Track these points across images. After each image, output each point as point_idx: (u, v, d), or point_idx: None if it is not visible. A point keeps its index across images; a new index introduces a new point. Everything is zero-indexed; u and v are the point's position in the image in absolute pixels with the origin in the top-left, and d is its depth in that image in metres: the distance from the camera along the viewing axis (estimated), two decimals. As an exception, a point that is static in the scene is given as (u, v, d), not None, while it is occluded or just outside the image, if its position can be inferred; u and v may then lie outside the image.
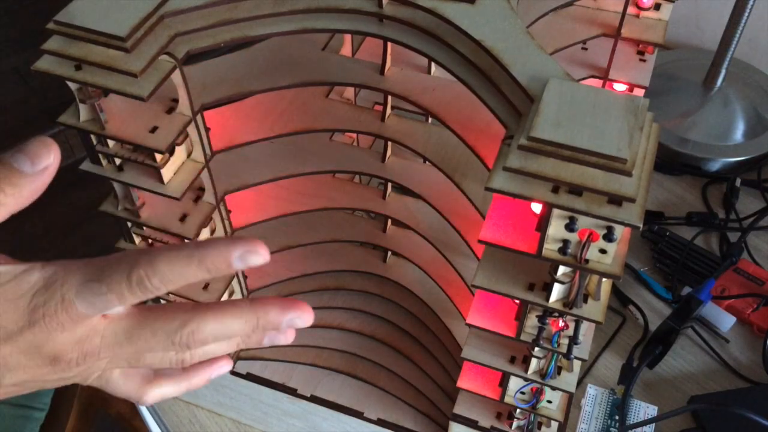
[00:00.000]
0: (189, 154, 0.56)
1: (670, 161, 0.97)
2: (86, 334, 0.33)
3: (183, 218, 0.58)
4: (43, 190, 0.33)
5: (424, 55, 0.52)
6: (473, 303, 0.53)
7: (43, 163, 0.33)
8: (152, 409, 0.80)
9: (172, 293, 0.65)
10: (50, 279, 0.32)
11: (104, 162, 0.56)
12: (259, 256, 0.32)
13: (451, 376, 0.67)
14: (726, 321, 0.81)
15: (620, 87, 0.68)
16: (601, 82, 0.68)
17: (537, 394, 0.57)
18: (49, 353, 0.32)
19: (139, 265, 0.32)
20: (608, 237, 0.41)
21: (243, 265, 0.32)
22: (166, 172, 0.54)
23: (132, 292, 0.32)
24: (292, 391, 0.69)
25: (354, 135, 0.72)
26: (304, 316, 0.35)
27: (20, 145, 0.33)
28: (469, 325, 0.53)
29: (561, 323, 0.50)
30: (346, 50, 0.62)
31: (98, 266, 0.32)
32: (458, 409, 0.62)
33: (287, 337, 0.37)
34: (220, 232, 0.63)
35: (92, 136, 0.53)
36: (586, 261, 0.43)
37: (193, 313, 0.34)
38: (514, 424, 0.62)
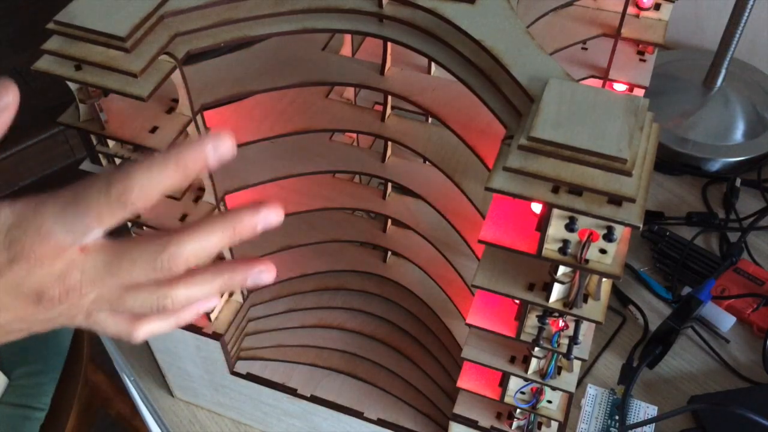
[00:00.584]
0: (189, 154, 0.56)
1: (670, 161, 0.97)
2: (66, 269, 0.32)
3: (183, 218, 0.58)
4: (4, 129, 0.34)
5: (424, 55, 0.52)
6: (473, 303, 0.53)
7: (2, 101, 0.34)
8: (152, 409, 0.80)
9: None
10: (22, 213, 0.32)
11: (104, 162, 0.56)
12: (227, 144, 0.33)
13: (451, 376, 0.67)
14: (726, 321, 0.81)
15: (620, 87, 0.68)
16: (601, 82, 0.68)
17: (537, 394, 0.57)
18: (31, 290, 0.32)
19: (115, 179, 0.31)
20: (608, 237, 0.41)
21: (217, 157, 0.33)
22: (166, 172, 0.54)
23: (111, 209, 0.31)
24: (292, 391, 0.69)
25: (354, 135, 0.72)
26: (274, 209, 0.36)
27: None
28: (469, 325, 0.53)
29: (561, 323, 0.50)
30: (346, 50, 0.62)
31: (72, 191, 0.32)
32: (458, 409, 0.62)
33: (270, 275, 0.37)
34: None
35: (92, 136, 0.53)
36: (586, 261, 0.43)
37: (170, 235, 0.34)
38: (514, 424, 0.62)
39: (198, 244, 0.34)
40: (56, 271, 0.32)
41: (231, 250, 0.65)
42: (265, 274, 0.37)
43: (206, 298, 0.36)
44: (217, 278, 0.36)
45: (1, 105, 0.34)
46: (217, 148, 0.33)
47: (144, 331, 0.38)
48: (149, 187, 0.32)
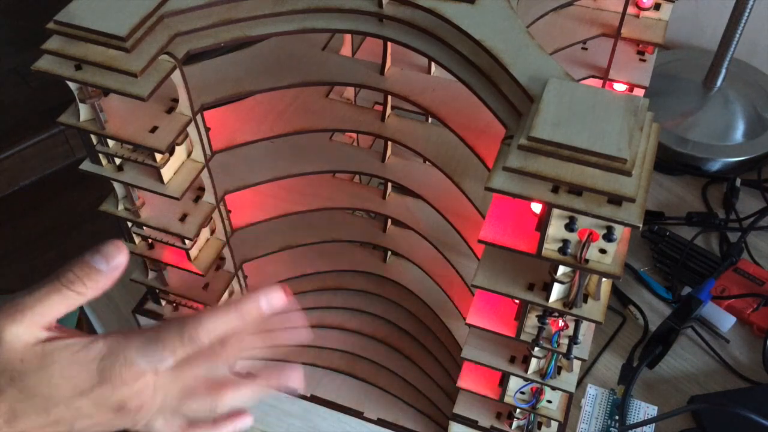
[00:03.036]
0: (189, 154, 0.56)
1: (670, 161, 0.97)
2: (143, 387, 0.40)
3: (183, 218, 0.58)
4: (114, 282, 0.41)
5: (424, 55, 0.52)
6: (473, 303, 0.53)
7: (116, 262, 0.40)
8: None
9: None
10: (113, 346, 0.40)
11: (104, 162, 0.56)
12: (280, 298, 0.42)
13: (451, 376, 0.67)
14: (726, 321, 0.81)
15: (620, 87, 0.68)
16: (601, 82, 0.68)
17: (537, 393, 0.58)
18: (114, 404, 0.40)
19: (188, 324, 0.40)
20: (608, 237, 0.41)
21: (270, 309, 0.42)
22: (166, 172, 0.54)
23: (183, 345, 0.40)
24: (292, 391, 0.69)
25: (354, 135, 0.72)
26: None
27: (97, 247, 0.40)
28: (469, 325, 0.53)
29: (561, 323, 0.50)
30: (346, 50, 0.62)
31: (154, 331, 0.40)
32: (458, 409, 0.62)
33: (299, 380, 0.45)
34: (220, 232, 0.63)
35: (92, 136, 0.53)
36: (586, 261, 0.43)
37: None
38: (514, 423, 0.62)
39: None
40: (135, 389, 0.40)
41: (231, 251, 0.65)
42: (295, 379, 0.45)
43: (249, 401, 0.44)
44: (256, 384, 0.44)
45: (114, 264, 0.40)
46: (270, 301, 0.42)
47: None
48: (214, 330, 0.40)
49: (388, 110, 0.60)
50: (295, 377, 0.45)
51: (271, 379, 0.45)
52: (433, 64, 0.62)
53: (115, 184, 0.58)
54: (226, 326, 0.41)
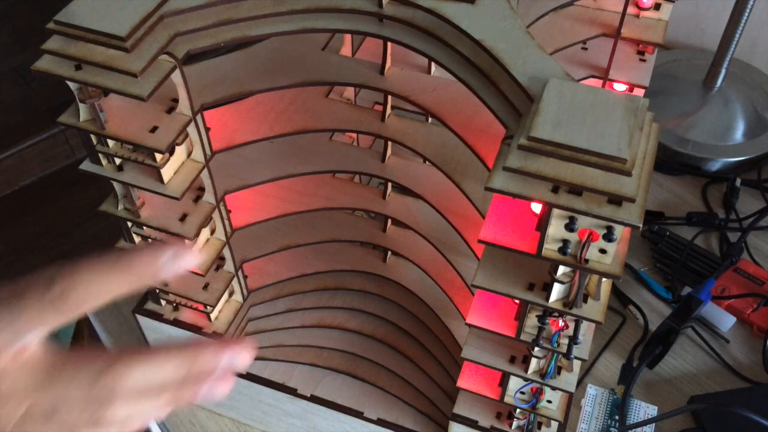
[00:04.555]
0: (189, 154, 0.56)
1: (670, 161, 0.97)
2: None
3: (183, 218, 0.58)
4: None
5: (424, 55, 0.52)
6: (473, 303, 0.53)
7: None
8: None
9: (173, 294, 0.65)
10: None
11: (104, 162, 0.56)
12: (187, 259, 0.31)
13: (451, 376, 0.67)
14: (726, 321, 0.81)
15: (620, 87, 0.68)
16: (601, 82, 0.68)
17: (537, 393, 0.57)
18: None
19: (57, 278, 0.29)
20: (608, 237, 0.41)
21: (173, 270, 0.31)
22: (166, 172, 0.54)
23: (53, 307, 0.29)
24: (292, 391, 0.69)
25: (354, 135, 0.72)
26: (242, 354, 0.32)
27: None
28: (469, 325, 0.53)
29: (561, 323, 0.50)
30: (346, 50, 0.62)
31: (11, 289, 0.30)
32: (458, 409, 0.62)
33: (225, 386, 0.33)
34: (220, 232, 0.63)
35: (92, 136, 0.53)
36: (586, 261, 0.43)
37: (119, 356, 0.31)
38: (514, 424, 0.62)
39: (146, 372, 0.31)
40: None
41: (231, 252, 0.65)
42: (237, 358, 0.32)
43: (147, 417, 0.32)
44: (164, 394, 0.32)
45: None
46: (177, 259, 0.31)
47: None
48: (94, 290, 0.30)
49: (388, 110, 0.60)
50: (242, 354, 0.32)
51: (185, 392, 0.32)
52: (433, 64, 0.62)
53: (115, 184, 0.58)
54: (111, 287, 0.30)
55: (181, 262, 0.31)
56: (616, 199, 0.40)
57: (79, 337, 1.14)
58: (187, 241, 0.57)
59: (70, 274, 0.29)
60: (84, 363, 0.31)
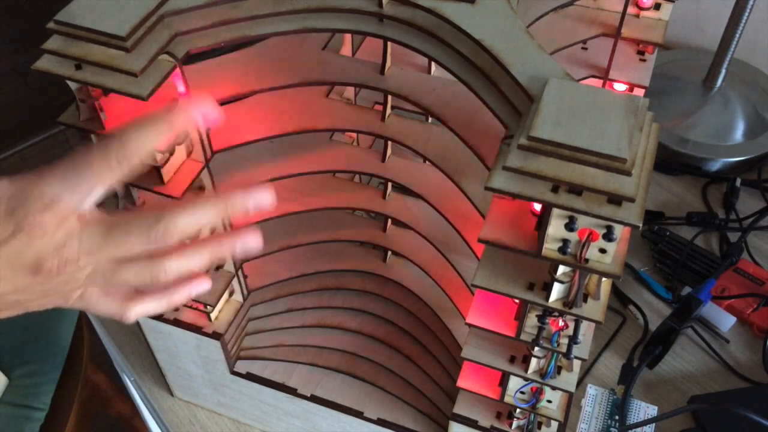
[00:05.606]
0: (189, 154, 0.56)
1: (670, 161, 0.97)
2: (65, 240, 0.33)
3: (183, 218, 0.58)
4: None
5: (424, 55, 0.52)
6: (473, 302, 0.53)
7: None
8: (152, 409, 0.80)
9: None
10: (22, 183, 0.33)
11: (104, 162, 0.56)
12: (211, 107, 0.37)
13: (451, 376, 0.67)
14: (726, 321, 0.81)
15: (620, 87, 0.68)
16: (601, 82, 0.68)
17: (537, 393, 0.58)
18: (30, 261, 0.33)
19: (111, 140, 0.34)
20: (608, 236, 0.41)
21: (202, 119, 0.37)
22: (166, 172, 0.54)
23: (110, 167, 0.34)
24: (292, 391, 0.69)
25: (354, 135, 0.72)
26: (265, 193, 0.38)
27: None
28: (469, 325, 0.53)
29: (561, 323, 0.50)
30: (346, 50, 0.62)
31: (70, 158, 0.34)
32: (458, 409, 0.62)
33: (254, 206, 0.38)
34: (219, 231, 0.63)
35: (92, 136, 0.53)
36: (586, 260, 0.43)
37: (164, 209, 0.36)
38: (514, 423, 0.62)
39: (191, 218, 0.36)
40: (56, 241, 0.33)
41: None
42: (252, 239, 0.38)
43: (198, 267, 0.38)
44: (207, 248, 0.38)
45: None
46: (202, 110, 0.37)
47: (135, 311, 0.39)
48: (142, 143, 0.35)
49: (388, 110, 0.60)
50: (252, 235, 0.39)
51: (224, 238, 0.38)
52: (433, 64, 0.62)
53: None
54: (156, 139, 0.36)
55: (206, 111, 0.37)
56: (615, 199, 0.40)
57: (79, 337, 1.14)
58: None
59: (121, 135, 0.34)
60: (136, 220, 0.35)
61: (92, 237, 0.34)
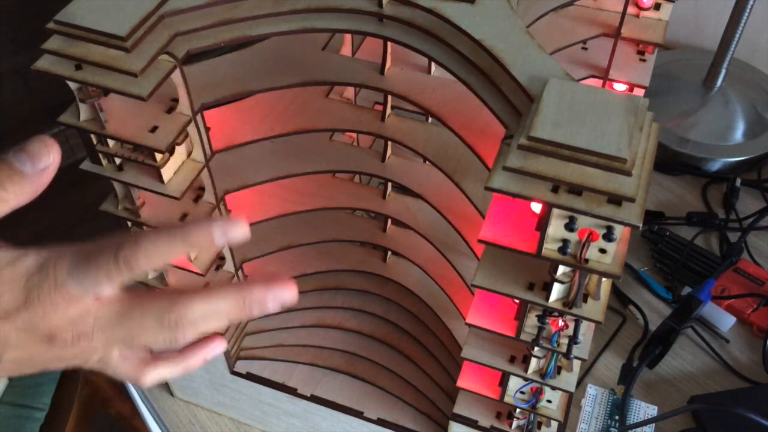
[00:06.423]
0: (189, 154, 0.56)
1: (670, 161, 0.97)
2: (79, 315, 0.34)
3: (183, 218, 0.58)
4: (44, 188, 0.36)
5: (424, 55, 0.52)
6: (473, 303, 0.53)
7: (42, 164, 0.35)
8: (152, 409, 0.80)
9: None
10: (43, 263, 0.34)
11: (104, 162, 0.56)
12: (239, 229, 0.36)
13: (451, 376, 0.67)
14: (726, 321, 0.81)
15: (620, 87, 0.68)
16: (601, 82, 0.68)
17: (537, 393, 0.58)
18: (45, 332, 0.34)
19: (124, 245, 0.34)
20: (608, 237, 0.41)
21: (224, 240, 0.35)
22: (166, 172, 0.54)
23: (119, 269, 0.34)
24: (292, 391, 0.69)
25: (354, 135, 0.72)
26: (288, 290, 0.37)
27: (22, 144, 0.35)
28: (469, 325, 0.53)
29: (561, 323, 0.50)
30: (346, 50, 0.62)
31: (88, 249, 0.35)
32: (458, 409, 0.62)
33: (275, 305, 0.37)
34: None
35: (92, 136, 0.53)
36: (586, 260, 0.43)
37: (182, 294, 0.36)
38: (514, 423, 0.62)
39: (207, 306, 0.36)
40: (70, 316, 0.34)
41: (231, 251, 0.65)
42: (284, 294, 0.37)
43: (216, 328, 0.37)
44: (230, 300, 0.37)
45: (41, 166, 0.35)
46: (227, 233, 0.35)
47: (151, 377, 0.40)
48: (155, 256, 0.35)
49: (388, 110, 0.60)
50: (287, 290, 0.37)
51: (255, 293, 0.37)
52: (433, 64, 0.62)
53: (115, 184, 0.58)
54: (171, 253, 0.35)
55: (231, 234, 0.36)
56: (615, 199, 0.40)
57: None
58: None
59: (135, 243, 0.34)
60: (152, 303, 0.36)
61: (108, 315, 0.35)
